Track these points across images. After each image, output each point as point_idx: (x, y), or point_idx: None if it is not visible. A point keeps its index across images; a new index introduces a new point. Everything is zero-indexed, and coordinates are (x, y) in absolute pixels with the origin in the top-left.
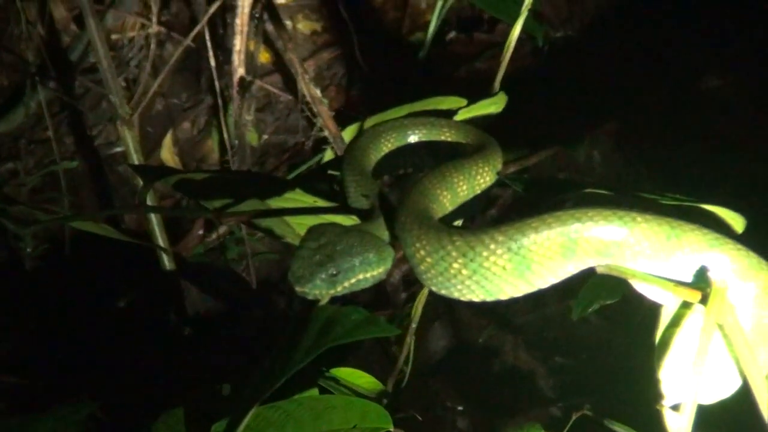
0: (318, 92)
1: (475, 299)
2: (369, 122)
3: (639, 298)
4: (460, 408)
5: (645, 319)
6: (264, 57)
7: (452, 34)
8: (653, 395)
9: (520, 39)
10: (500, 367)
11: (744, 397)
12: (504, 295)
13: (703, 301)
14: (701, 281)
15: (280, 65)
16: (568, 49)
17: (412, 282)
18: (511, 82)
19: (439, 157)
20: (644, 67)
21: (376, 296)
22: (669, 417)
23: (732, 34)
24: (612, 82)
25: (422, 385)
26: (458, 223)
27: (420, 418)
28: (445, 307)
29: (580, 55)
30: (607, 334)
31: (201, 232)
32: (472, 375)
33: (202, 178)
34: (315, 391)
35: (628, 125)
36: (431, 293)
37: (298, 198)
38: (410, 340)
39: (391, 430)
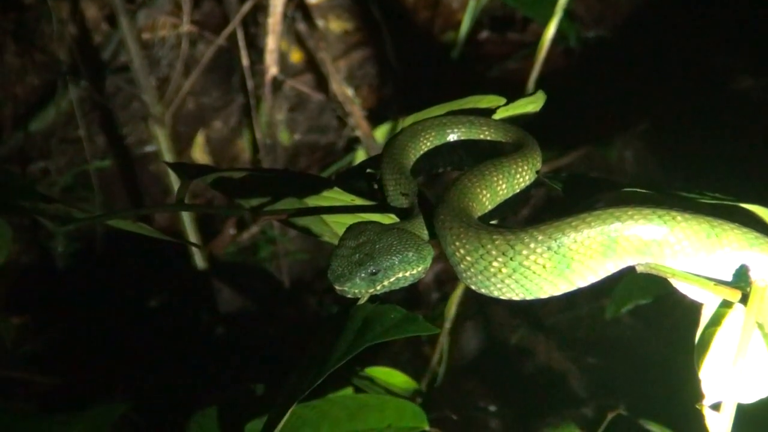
0: (350, 92)
1: (515, 298)
2: (408, 121)
3: (672, 299)
4: (492, 408)
5: (678, 319)
6: (295, 56)
7: (484, 34)
8: (693, 394)
9: (552, 39)
10: (532, 367)
11: None
12: (544, 294)
13: (743, 300)
14: (741, 280)
15: (311, 65)
16: (600, 49)
17: (444, 281)
18: (542, 81)
19: (478, 156)
20: (677, 67)
21: (409, 296)
22: (709, 416)
23: (765, 34)
24: (644, 82)
25: (454, 384)
26: (492, 222)
27: (455, 418)
28: (477, 307)
29: (613, 55)
30: (639, 334)
31: (233, 231)
32: (504, 375)
33: (240, 177)
34: (350, 390)
35: (660, 125)
36: (464, 293)
37: (335, 197)
38: (444, 340)
39: (427, 429)
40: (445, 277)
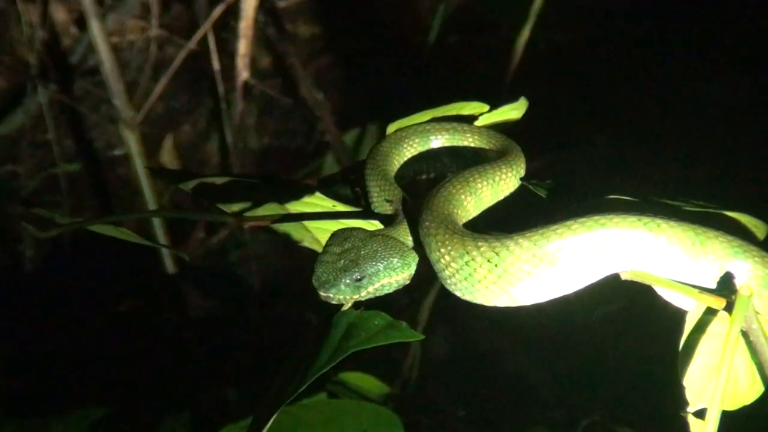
0: (320, 96)
1: (500, 305)
2: (391, 127)
3: (642, 305)
4: (462, 413)
5: (650, 326)
6: (264, 61)
7: (453, 38)
8: (675, 401)
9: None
10: (502, 372)
11: (767, 402)
12: (529, 301)
13: (728, 308)
14: (726, 288)
15: (280, 69)
16: (568, 54)
17: (413, 287)
18: (513, 86)
19: (462, 163)
20: (643, 71)
21: (377, 300)
22: (693, 423)
23: (729, 38)
24: (610, 85)
25: (425, 389)
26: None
27: (427, 422)
28: (447, 312)
29: (580, 59)
30: (609, 340)
31: (202, 235)
32: (473, 380)
33: (221, 182)
34: (323, 395)
35: (627, 129)
36: (435, 298)
37: (317, 202)
38: (416, 345)
39: None
40: (415, 282)
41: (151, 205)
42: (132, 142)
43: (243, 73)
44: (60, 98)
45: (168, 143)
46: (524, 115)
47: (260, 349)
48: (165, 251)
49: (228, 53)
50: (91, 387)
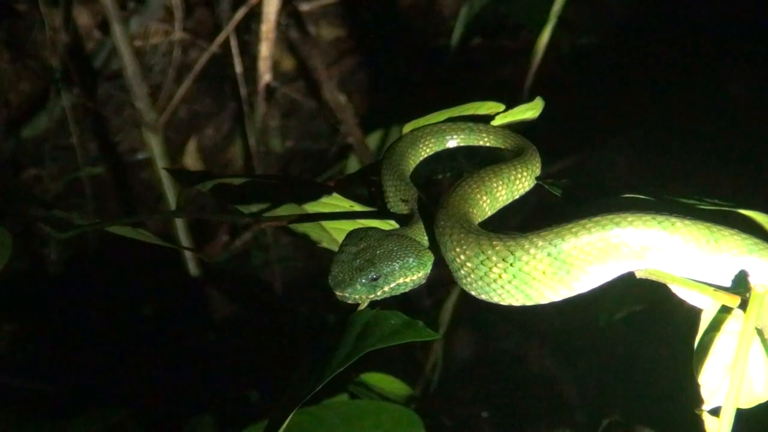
0: (343, 99)
1: (515, 304)
2: (407, 127)
3: (665, 306)
4: (485, 414)
5: (671, 326)
6: (287, 64)
7: (476, 41)
8: (691, 400)
9: (546, 45)
10: (525, 374)
11: None
12: (544, 300)
13: (743, 305)
14: (741, 286)
15: (303, 72)
16: (592, 56)
17: (436, 288)
18: (535, 88)
19: (478, 162)
20: (668, 74)
21: (400, 302)
22: (708, 421)
23: (757, 41)
24: (636, 88)
25: (448, 390)
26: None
27: (449, 424)
28: (470, 314)
29: (605, 61)
30: (631, 340)
31: (225, 238)
32: (497, 381)
33: (239, 183)
34: (345, 396)
35: (651, 131)
36: (457, 300)
37: (334, 203)
38: (438, 346)
39: None
40: (438, 283)
41: (174, 208)
42: (155, 145)
43: (265, 76)
44: (83, 102)
45: (191, 146)
46: (546, 118)
47: (283, 352)
48: (188, 254)
49: (251, 56)
50: (114, 389)
